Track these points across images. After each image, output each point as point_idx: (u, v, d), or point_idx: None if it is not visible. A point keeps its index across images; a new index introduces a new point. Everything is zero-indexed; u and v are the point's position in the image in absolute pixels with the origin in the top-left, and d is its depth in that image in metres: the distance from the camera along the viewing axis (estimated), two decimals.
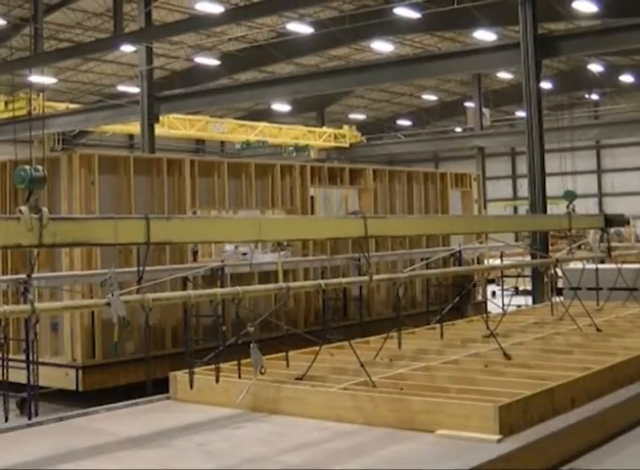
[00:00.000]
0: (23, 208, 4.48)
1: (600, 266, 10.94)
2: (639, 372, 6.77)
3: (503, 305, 10.04)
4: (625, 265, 11.28)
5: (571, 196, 9.72)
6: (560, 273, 10.61)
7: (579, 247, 11.59)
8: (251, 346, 5.77)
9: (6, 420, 8.33)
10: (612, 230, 12.09)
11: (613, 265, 10.91)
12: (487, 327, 7.97)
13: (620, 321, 9.45)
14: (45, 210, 4.53)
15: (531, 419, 5.32)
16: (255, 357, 5.80)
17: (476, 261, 16.38)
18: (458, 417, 5.18)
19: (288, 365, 6.72)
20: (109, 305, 4.89)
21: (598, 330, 8.54)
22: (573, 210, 9.62)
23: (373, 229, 6.59)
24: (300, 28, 30.44)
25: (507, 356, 7.04)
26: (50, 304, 5.67)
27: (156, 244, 5.25)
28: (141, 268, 5.55)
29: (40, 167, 4.63)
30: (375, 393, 5.72)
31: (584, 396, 5.93)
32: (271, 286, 6.47)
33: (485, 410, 5.11)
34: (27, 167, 4.58)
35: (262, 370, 5.83)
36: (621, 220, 10.75)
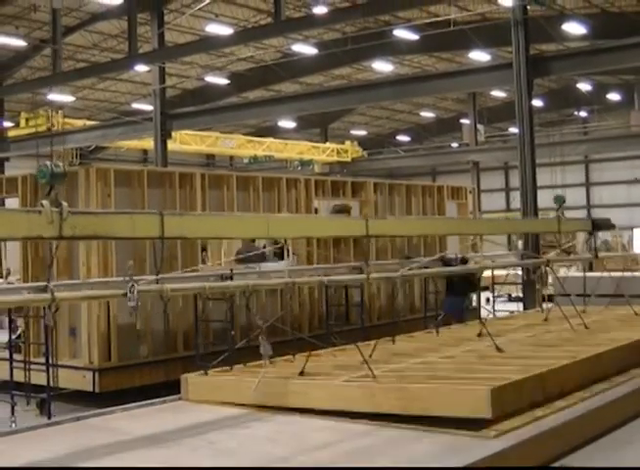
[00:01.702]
0: (45, 201, 4.42)
1: (588, 274, 10.92)
2: (625, 360, 6.74)
3: (494, 308, 10.02)
4: (612, 273, 11.25)
5: (560, 200, 9.59)
6: (550, 278, 10.56)
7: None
8: (260, 337, 5.74)
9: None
10: (599, 241, 12.06)
11: (600, 273, 10.89)
12: (481, 322, 7.92)
13: (608, 321, 9.41)
14: (65, 203, 4.46)
15: (522, 402, 5.32)
16: (265, 348, 5.78)
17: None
18: (454, 400, 5.21)
19: (294, 362, 6.68)
20: (125, 295, 4.86)
21: (586, 327, 8.50)
22: (562, 214, 9.52)
23: (374, 229, 6.58)
24: (305, 49, 30.52)
25: (500, 350, 7.01)
26: (69, 293, 5.48)
27: (170, 238, 5.19)
28: (158, 263, 5.48)
29: (60, 163, 4.59)
30: (375, 382, 5.73)
31: (572, 382, 5.93)
32: (279, 281, 6.42)
33: (479, 393, 5.14)
34: (49, 163, 4.54)
35: (271, 361, 5.78)
36: (608, 224, 10.68)
